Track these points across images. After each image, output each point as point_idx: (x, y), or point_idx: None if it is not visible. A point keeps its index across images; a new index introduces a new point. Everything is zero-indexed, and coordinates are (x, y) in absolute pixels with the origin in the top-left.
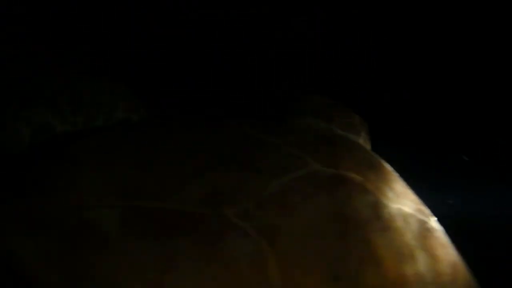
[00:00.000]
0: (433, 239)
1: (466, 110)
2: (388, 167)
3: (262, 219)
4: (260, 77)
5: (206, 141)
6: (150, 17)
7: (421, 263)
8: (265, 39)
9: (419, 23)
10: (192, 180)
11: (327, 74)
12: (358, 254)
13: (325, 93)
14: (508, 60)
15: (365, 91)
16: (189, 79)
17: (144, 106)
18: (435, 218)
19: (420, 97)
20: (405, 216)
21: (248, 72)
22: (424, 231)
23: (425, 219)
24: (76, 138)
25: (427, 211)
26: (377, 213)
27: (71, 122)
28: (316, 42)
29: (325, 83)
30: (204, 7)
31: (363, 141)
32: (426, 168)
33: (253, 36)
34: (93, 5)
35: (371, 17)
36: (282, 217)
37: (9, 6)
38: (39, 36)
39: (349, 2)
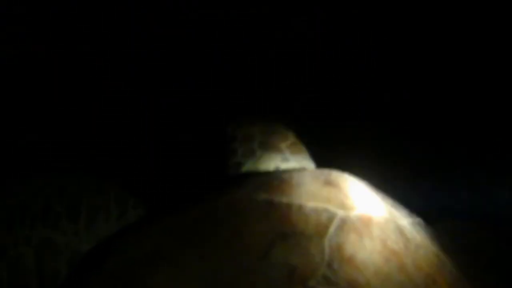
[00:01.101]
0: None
1: (465, 110)
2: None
3: (341, 278)
4: (260, 77)
5: (239, 221)
6: (150, 17)
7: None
8: (265, 39)
9: (419, 23)
10: (264, 265)
11: (327, 74)
12: (422, 278)
13: (324, 94)
14: (508, 60)
15: (365, 91)
16: (189, 79)
17: (135, 197)
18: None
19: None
20: (403, 225)
21: (248, 72)
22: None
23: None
24: (103, 252)
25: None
26: (402, 234)
27: (72, 232)
28: (316, 42)
29: (325, 83)
30: (204, 7)
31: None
32: None
33: (253, 36)
34: (93, 5)
35: (371, 17)
36: (353, 271)
37: (9, 6)
38: (39, 36)
39: (349, 2)
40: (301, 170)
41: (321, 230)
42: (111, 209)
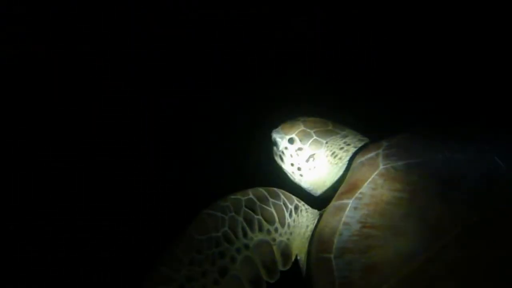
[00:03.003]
0: None
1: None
2: None
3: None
4: (260, 77)
5: (409, 186)
6: (150, 17)
7: None
8: (265, 39)
9: (418, 23)
10: (455, 194)
11: (327, 74)
12: None
13: (324, 94)
14: (508, 59)
15: (365, 91)
16: (189, 79)
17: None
18: None
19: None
20: None
21: (248, 72)
22: None
23: None
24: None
25: None
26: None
27: (273, 229)
28: (316, 42)
29: (324, 83)
30: (204, 7)
31: None
32: None
33: (253, 36)
34: (93, 5)
35: (371, 17)
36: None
37: (9, 6)
38: (39, 36)
39: (349, 2)
40: (397, 136)
41: (465, 170)
42: (288, 205)
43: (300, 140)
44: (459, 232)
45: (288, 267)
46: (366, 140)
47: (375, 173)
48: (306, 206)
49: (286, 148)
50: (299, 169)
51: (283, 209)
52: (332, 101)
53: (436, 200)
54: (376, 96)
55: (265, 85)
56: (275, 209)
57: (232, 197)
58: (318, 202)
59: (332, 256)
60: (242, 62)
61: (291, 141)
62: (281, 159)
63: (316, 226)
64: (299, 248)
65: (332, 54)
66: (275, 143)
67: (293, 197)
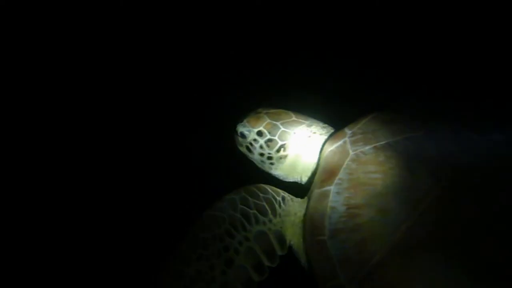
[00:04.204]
0: None
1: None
2: None
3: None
4: (260, 77)
5: (386, 163)
6: (150, 17)
7: None
8: (265, 38)
9: (419, 23)
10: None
11: (327, 75)
12: None
13: (325, 94)
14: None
15: (365, 91)
16: (189, 79)
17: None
18: None
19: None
20: None
21: (248, 72)
22: None
23: None
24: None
25: None
26: None
27: (268, 220)
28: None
29: (324, 83)
30: (204, 7)
31: None
32: None
33: (254, 34)
34: (93, 5)
35: (371, 17)
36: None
37: (9, 6)
38: (39, 36)
39: (349, 2)
40: (359, 122)
41: (425, 146)
42: (276, 198)
43: (269, 132)
44: (430, 200)
45: (285, 252)
46: (327, 127)
47: (348, 159)
48: (291, 196)
49: (255, 140)
50: (269, 158)
51: (273, 202)
52: (332, 100)
53: (405, 175)
54: (375, 96)
55: (265, 84)
56: (266, 202)
57: (227, 197)
58: (293, 188)
59: (326, 238)
60: (242, 61)
61: (259, 133)
62: (249, 150)
63: (305, 213)
64: (291, 234)
65: (332, 54)
66: (242, 136)
67: (279, 190)
